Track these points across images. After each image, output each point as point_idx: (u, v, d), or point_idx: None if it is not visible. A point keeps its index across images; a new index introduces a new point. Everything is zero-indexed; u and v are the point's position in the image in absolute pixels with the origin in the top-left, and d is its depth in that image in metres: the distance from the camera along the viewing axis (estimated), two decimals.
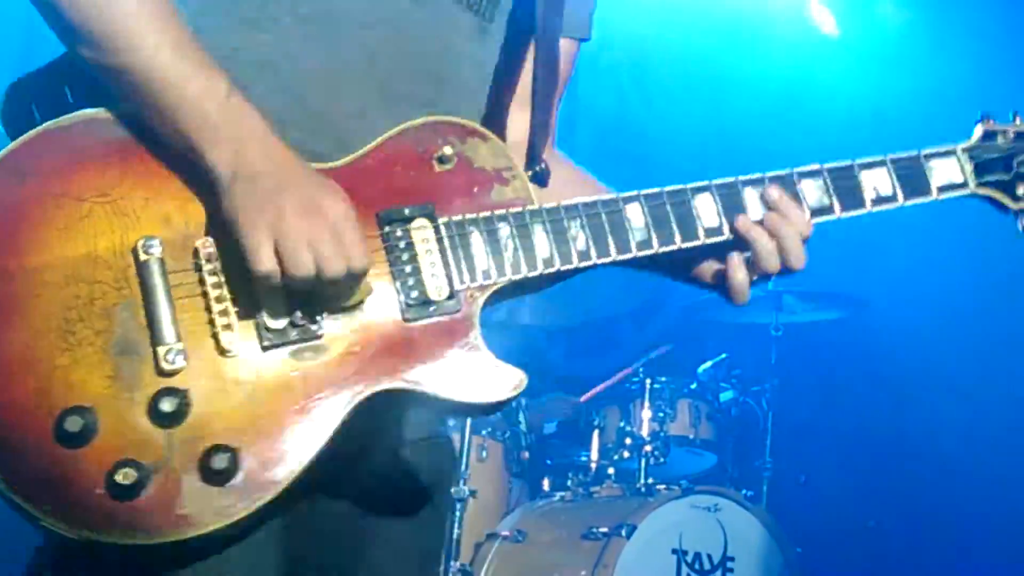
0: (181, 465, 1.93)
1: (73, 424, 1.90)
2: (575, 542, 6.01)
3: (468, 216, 2.17)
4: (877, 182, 2.37)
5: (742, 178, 2.32)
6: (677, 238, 2.26)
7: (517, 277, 2.17)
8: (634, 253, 2.24)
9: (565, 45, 2.58)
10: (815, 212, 2.34)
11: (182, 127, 2.01)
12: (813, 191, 2.33)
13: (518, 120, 2.48)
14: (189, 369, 1.97)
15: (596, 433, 6.84)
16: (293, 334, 2.02)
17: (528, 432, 6.98)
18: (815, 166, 2.34)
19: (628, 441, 6.61)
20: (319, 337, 2.03)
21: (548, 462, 7.04)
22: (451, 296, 2.11)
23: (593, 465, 6.76)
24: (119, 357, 1.96)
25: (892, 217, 7.66)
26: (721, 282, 2.39)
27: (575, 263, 2.21)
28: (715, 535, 6.03)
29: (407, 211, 2.14)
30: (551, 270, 2.20)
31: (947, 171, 2.42)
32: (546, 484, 6.96)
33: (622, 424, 6.71)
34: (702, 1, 8.14)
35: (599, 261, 2.22)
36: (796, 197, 2.32)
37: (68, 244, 1.99)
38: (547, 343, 7.84)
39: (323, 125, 2.23)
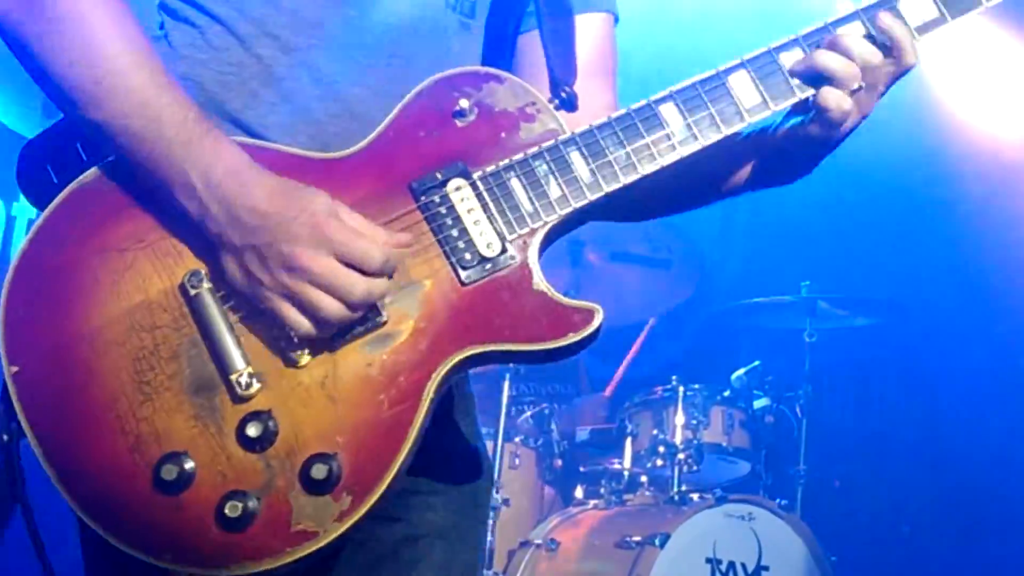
0: (285, 483, 1.95)
1: (169, 473, 1.92)
2: (608, 551, 6.00)
3: (502, 163, 2.13)
4: (919, 6, 2.23)
5: (772, 45, 2.24)
6: (720, 127, 2.19)
7: (566, 211, 2.13)
8: (679, 152, 2.17)
9: (596, 21, 2.53)
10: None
11: (157, 185, 2.02)
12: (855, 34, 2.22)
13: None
14: (266, 389, 1.99)
15: (629, 440, 6.80)
16: (358, 328, 2.02)
17: (561, 439, 6.98)
18: (850, 10, 2.24)
19: (661, 449, 6.58)
20: (384, 324, 2.03)
21: (581, 469, 7.02)
22: (503, 249, 2.09)
23: (626, 473, 6.73)
24: (197, 395, 1.98)
25: (927, 221, 7.61)
26: (796, 135, 2.26)
27: (622, 180, 2.15)
28: (749, 544, 5.99)
29: (439, 175, 2.11)
30: (599, 194, 2.14)
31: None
32: (579, 492, 6.95)
33: (655, 432, 6.67)
34: (732, 10, 8.09)
35: (646, 171, 2.15)
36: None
37: (121, 297, 2.01)
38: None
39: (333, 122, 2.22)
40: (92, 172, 2.08)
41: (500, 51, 2.47)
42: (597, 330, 2.07)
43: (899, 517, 8.13)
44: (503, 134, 2.16)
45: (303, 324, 1.96)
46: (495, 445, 6.29)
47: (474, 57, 2.41)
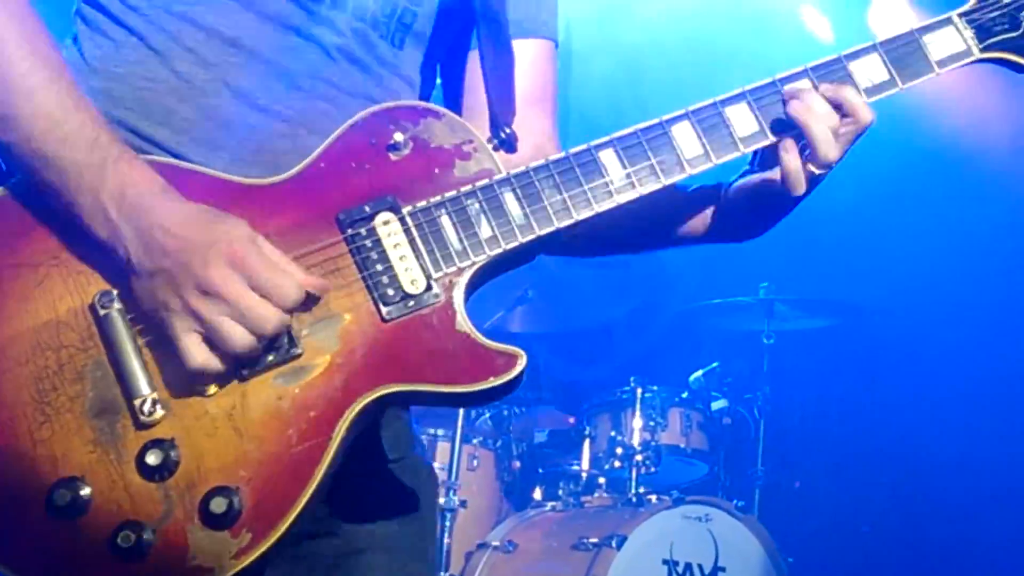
0: (183, 515, 1.87)
1: (62, 498, 1.85)
2: (565, 552, 5.99)
3: (433, 200, 2.06)
4: (869, 69, 2.20)
5: (719, 98, 2.18)
6: (660, 176, 2.14)
7: (496, 252, 2.06)
8: (616, 200, 2.12)
9: (535, 47, 2.49)
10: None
11: (67, 207, 1.95)
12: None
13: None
14: (171, 416, 1.91)
15: (587, 442, 6.82)
16: (271, 358, 1.94)
17: (519, 441, 6.96)
18: (798, 68, 2.20)
19: (619, 451, 6.59)
20: (299, 357, 1.96)
21: (539, 471, 7.01)
22: (428, 287, 2.02)
23: (584, 474, 6.74)
24: (98, 419, 1.91)
25: (884, 223, 7.64)
26: (747, 198, 2.25)
27: (555, 224, 2.09)
28: (706, 545, 6.00)
29: (368, 208, 2.04)
30: (530, 237, 2.08)
31: (945, 42, 2.22)
32: (537, 493, 6.95)
33: (613, 433, 6.68)
34: (696, 8, 8.11)
35: (581, 216, 2.10)
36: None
37: (29, 314, 1.94)
38: (539, 351, 7.81)
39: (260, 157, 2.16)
40: (7, 186, 2.01)
41: (448, 77, 2.44)
42: (520, 375, 2.00)
43: (858, 518, 8.16)
44: (437, 170, 2.10)
45: (196, 356, 1.88)
46: (452, 447, 6.27)
47: (401, 86, 2.36)
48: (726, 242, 2.42)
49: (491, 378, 1.99)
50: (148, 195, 1.93)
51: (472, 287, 2.07)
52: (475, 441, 6.66)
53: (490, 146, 2.16)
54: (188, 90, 2.16)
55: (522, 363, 1.99)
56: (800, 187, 2.18)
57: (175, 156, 2.11)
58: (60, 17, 2.28)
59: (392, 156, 2.10)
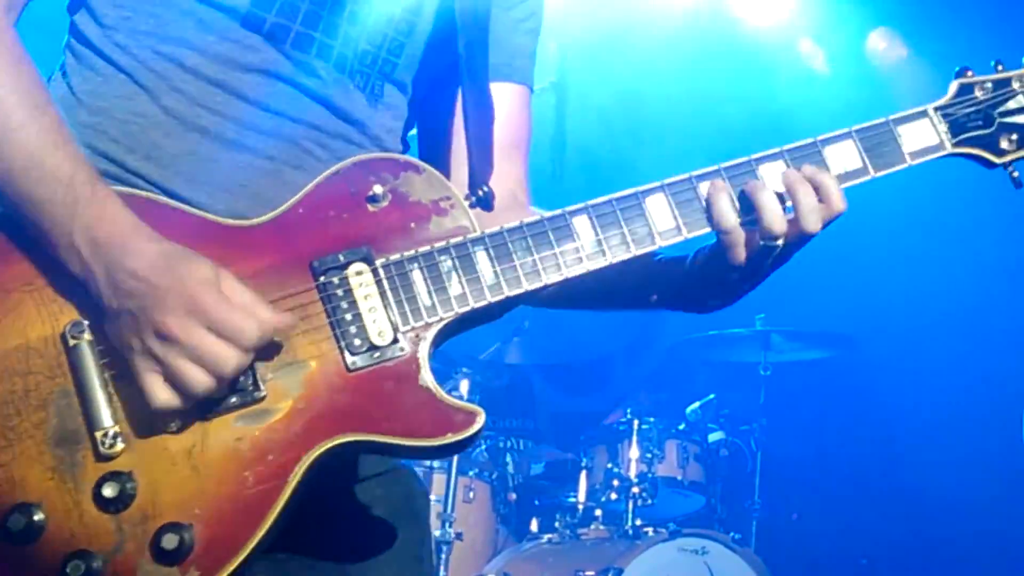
0: (135, 549, 1.88)
1: (16, 523, 1.86)
2: None
3: (407, 254, 2.08)
4: (843, 157, 2.20)
5: (695, 173, 2.18)
6: (631, 247, 2.15)
7: (464, 310, 2.08)
8: (586, 266, 2.13)
9: (510, 92, 2.52)
10: (781, 197, 2.17)
11: (43, 243, 1.97)
12: (775, 174, 2.18)
13: (460, 172, 2.42)
14: (131, 450, 1.92)
15: (584, 474, 6.80)
16: (234, 400, 1.95)
17: (516, 473, 6.95)
18: (773, 150, 2.20)
19: (616, 483, 6.58)
20: (262, 400, 1.97)
21: (536, 503, 6.99)
22: (395, 340, 2.03)
23: (580, 506, 6.72)
24: (59, 448, 1.92)
25: (880, 255, 7.64)
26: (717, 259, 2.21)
27: (524, 287, 2.11)
28: None
29: (342, 257, 2.06)
30: (499, 297, 2.10)
31: (919, 135, 2.24)
32: (534, 525, 6.92)
33: (609, 465, 6.67)
34: (692, 41, 8.15)
35: (550, 280, 2.11)
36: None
37: (0, 338, 1.95)
38: (535, 382, 7.81)
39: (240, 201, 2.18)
40: None
41: (424, 124, 2.47)
42: (477, 433, 2.01)
43: (855, 550, 8.15)
44: (413, 224, 2.12)
45: (158, 396, 1.89)
46: (448, 478, 6.25)
47: (381, 132, 2.38)
48: (689, 311, 2.40)
49: (449, 434, 2.00)
50: (119, 236, 1.94)
51: (437, 343, 2.09)
52: (471, 473, 6.64)
53: (467, 203, 2.18)
54: (175, 126, 2.17)
55: (480, 421, 2.00)
56: (740, 251, 2.14)
57: (160, 190, 2.12)
58: (50, 44, 2.30)
59: (370, 207, 2.11)
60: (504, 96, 2.49)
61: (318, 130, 2.25)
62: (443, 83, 2.47)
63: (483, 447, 7.04)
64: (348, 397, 2.00)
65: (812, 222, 2.13)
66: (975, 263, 7.58)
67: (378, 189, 2.11)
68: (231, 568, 1.89)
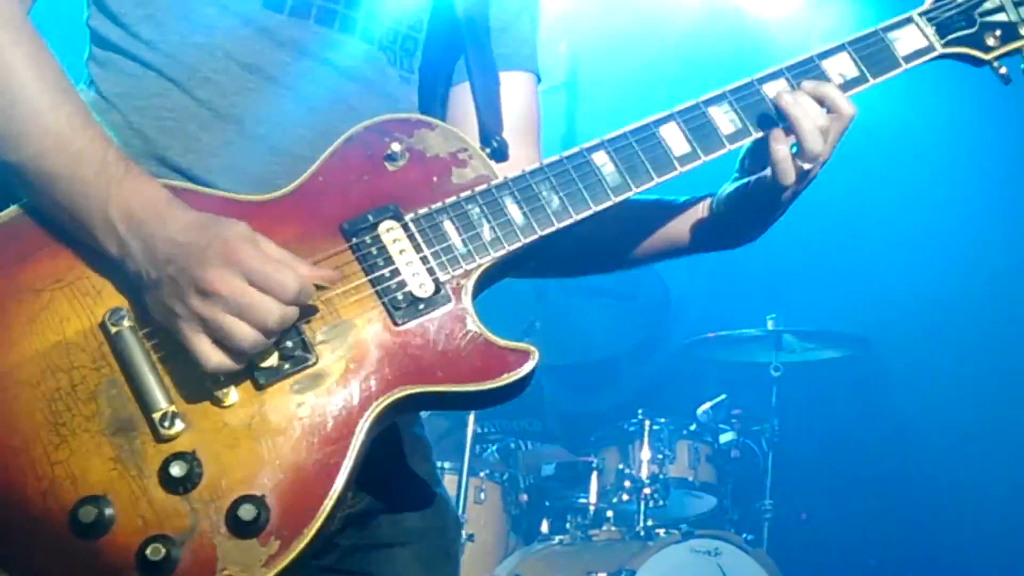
0: (210, 526, 1.87)
1: (87, 515, 1.84)
2: None
3: (435, 206, 2.12)
4: (841, 67, 2.32)
5: (702, 98, 2.27)
6: (652, 174, 2.21)
7: (500, 253, 2.11)
8: (612, 199, 2.18)
9: (518, 79, 2.55)
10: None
11: (77, 225, 1.98)
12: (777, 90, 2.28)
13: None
14: (190, 429, 1.92)
15: (595, 475, 6.78)
16: (287, 366, 1.96)
17: (526, 474, 6.93)
18: (773, 68, 2.30)
19: (627, 483, 6.56)
20: (314, 364, 1.98)
21: (546, 504, 6.98)
22: (437, 290, 2.06)
23: (592, 507, 6.70)
24: (116, 436, 1.91)
25: (891, 253, 7.62)
26: (741, 189, 2.33)
27: (555, 224, 2.15)
28: None
29: (371, 216, 2.09)
30: (532, 238, 2.13)
31: (910, 39, 2.37)
32: (544, 526, 6.90)
33: (621, 466, 6.65)
34: (700, 40, 8.13)
35: (579, 216, 2.16)
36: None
37: (36, 337, 1.95)
38: (546, 383, 7.79)
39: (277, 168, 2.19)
40: (7, 212, 2.03)
41: (432, 102, 2.48)
42: (532, 371, 2.04)
43: (866, 550, 8.12)
44: (435, 178, 2.15)
45: (211, 357, 1.89)
46: (459, 479, 6.24)
47: (412, 108, 2.40)
48: (720, 248, 2.48)
49: (505, 374, 2.03)
50: (154, 208, 1.95)
51: (478, 289, 2.11)
52: (482, 474, 6.63)
53: (484, 153, 2.22)
54: (210, 117, 2.19)
55: (535, 358, 2.04)
56: (789, 175, 2.23)
57: (201, 183, 2.13)
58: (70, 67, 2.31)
59: (389, 167, 2.15)
60: (513, 83, 2.52)
61: (354, 109, 2.26)
62: (444, 68, 2.49)
63: (494, 448, 7.03)
64: (399, 351, 2.02)
65: (823, 141, 2.23)
66: (990, 263, 7.55)
67: (396, 147, 2.14)
68: (311, 534, 1.90)
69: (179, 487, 1.88)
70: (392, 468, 2.23)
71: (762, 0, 8.40)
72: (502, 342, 2.05)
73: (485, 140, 2.35)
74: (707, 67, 8.00)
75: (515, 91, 2.52)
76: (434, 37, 2.44)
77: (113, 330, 1.94)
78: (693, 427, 6.87)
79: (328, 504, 1.91)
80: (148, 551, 1.84)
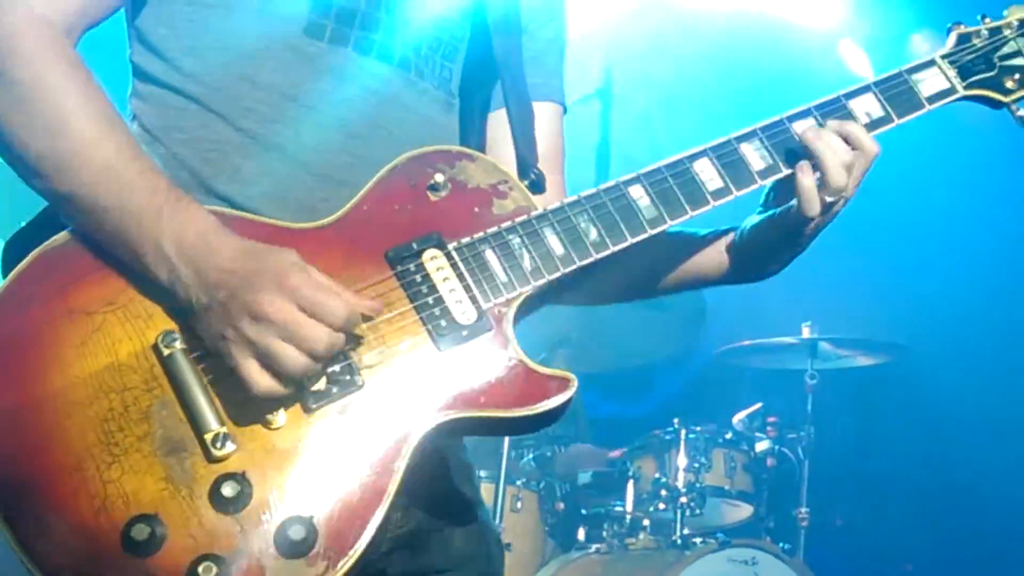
0: (259, 547, 1.91)
1: (140, 533, 1.88)
2: None
3: (476, 236, 2.18)
4: (867, 107, 2.40)
5: (734, 135, 2.34)
6: (687, 208, 2.28)
7: (540, 283, 2.17)
8: (648, 232, 2.25)
9: (548, 109, 2.61)
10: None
11: (127, 252, 2.02)
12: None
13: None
14: (241, 451, 1.96)
15: (631, 483, 6.77)
16: (335, 390, 2.01)
17: (563, 482, 6.93)
18: (802, 107, 2.38)
19: (663, 492, 6.54)
20: (361, 387, 2.03)
21: (583, 512, 6.97)
22: (480, 317, 2.12)
23: (628, 516, 6.69)
24: (168, 456, 1.95)
25: (927, 260, 7.60)
26: (768, 222, 2.39)
27: (593, 255, 2.21)
28: None
29: (415, 245, 2.15)
30: (571, 268, 2.20)
31: (932, 81, 2.45)
32: (581, 534, 6.90)
33: (657, 475, 6.64)
34: (731, 45, 8.12)
35: (617, 247, 2.23)
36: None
37: (88, 359, 1.99)
38: (582, 392, 7.79)
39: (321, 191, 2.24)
40: (61, 236, 2.07)
41: (470, 128, 2.53)
42: (571, 398, 2.09)
43: (902, 557, 8.09)
44: (476, 208, 2.22)
45: (260, 382, 1.93)
46: (496, 488, 6.25)
47: (456, 132, 2.46)
48: (742, 282, 2.54)
49: (545, 401, 2.08)
50: (203, 237, 1.99)
51: (518, 317, 2.17)
52: (519, 483, 6.64)
53: (523, 184, 2.29)
54: (253, 147, 2.23)
55: (574, 386, 2.10)
56: (814, 206, 2.29)
57: (245, 210, 2.17)
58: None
59: (432, 196, 2.20)
60: (543, 115, 2.58)
61: (393, 135, 2.31)
62: (479, 99, 2.54)
63: (530, 456, 7.04)
64: (443, 377, 2.07)
65: (846, 176, 2.28)
66: None
67: (439, 178, 2.20)
68: (357, 556, 1.94)
69: (230, 507, 1.92)
70: (439, 490, 2.28)
71: (794, 6, 8.38)
72: (542, 368, 2.10)
73: (523, 172, 2.40)
74: (740, 75, 8.01)
75: (545, 121, 2.58)
76: (470, 65, 2.49)
77: (166, 352, 1.98)
78: (729, 435, 6.85)
79: (375, 526, 1.95)
80: (200, 569, 1.87)
